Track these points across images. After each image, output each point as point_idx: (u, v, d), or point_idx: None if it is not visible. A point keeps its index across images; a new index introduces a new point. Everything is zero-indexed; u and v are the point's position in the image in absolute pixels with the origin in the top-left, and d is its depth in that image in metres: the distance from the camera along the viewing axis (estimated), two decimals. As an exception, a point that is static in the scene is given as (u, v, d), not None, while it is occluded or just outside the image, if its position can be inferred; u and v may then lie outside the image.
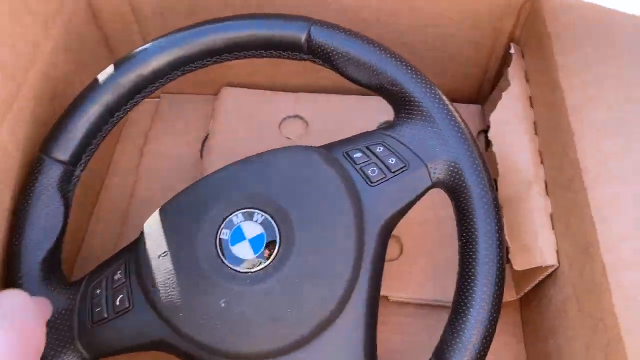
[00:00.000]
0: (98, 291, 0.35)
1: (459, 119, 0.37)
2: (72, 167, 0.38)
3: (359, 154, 0.37)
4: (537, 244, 0.38)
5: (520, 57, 0.48)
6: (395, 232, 0.37)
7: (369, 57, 0.38)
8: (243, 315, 0.32)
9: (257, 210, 0.35)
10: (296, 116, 0.55)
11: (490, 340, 0.34)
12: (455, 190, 0.36)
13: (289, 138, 0.53)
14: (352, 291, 0.33)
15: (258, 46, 0.40)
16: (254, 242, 0.34)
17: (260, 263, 0.33)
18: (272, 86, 0.57)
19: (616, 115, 0.36)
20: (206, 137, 0.55)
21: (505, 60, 0.51)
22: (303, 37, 0.39)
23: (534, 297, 0.43)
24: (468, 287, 0.34)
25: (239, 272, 0.33)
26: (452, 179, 0.36)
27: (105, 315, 0.34)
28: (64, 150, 0.38)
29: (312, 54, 0.40)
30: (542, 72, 0.44)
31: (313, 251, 0.33)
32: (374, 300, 0.34)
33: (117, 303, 0.34)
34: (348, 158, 0.37)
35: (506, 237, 0.41)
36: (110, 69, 0.39)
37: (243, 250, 0.33)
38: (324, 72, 0.54)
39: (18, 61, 0.39)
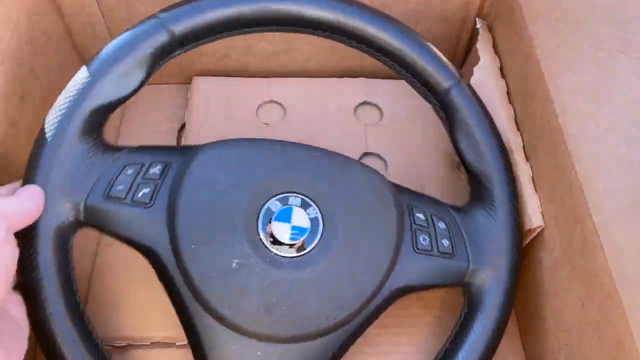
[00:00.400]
0: (130, 172, 0.35)
1: (520, 239, 0.38)
2: (177, 44, 0.37)
3: (421, 216, 0.37)
4: (526, 210, 0.39)
5: (487, 31, 0.49)
6: None
7: (486, 146, 0.39)
8: (245, 285, 0.32)
9: (314, 206, 0.35)
10: (272, 101, 0.54)
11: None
12: (475, 300, 0.37)
13: (267, 124, 0.53)
14: (343, 325, 0.34)
15: (412, 72, 0.40)
16: (295, 232, 0.34)
17: (287, 252, 0.34)
18: (244, 71, 0.56)
19: (592, 77, 0.37)
20: (181, 127, 0.54)
21: (475, 34, 0.52)
22: (445, 86, 0.39)
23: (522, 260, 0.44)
24: None
25: (265, 246, 0.33)
26: (479, 291, 0.37)
27: (122, 197, 0.34)
28: (183, 26, 0.36)
29: (441, 103, 0.40)
30: (514, 42, 0.45)
31: (336, 274, 0.34)
32: (349, 344, 0.35)
33: (140, 195, 0.34)
34: (410, 213, 0.37)
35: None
36: None
37: (281, 231, 0.34)
38: (294, 54, 0.54)
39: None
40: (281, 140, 0.37)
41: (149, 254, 0.34)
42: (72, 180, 0.33)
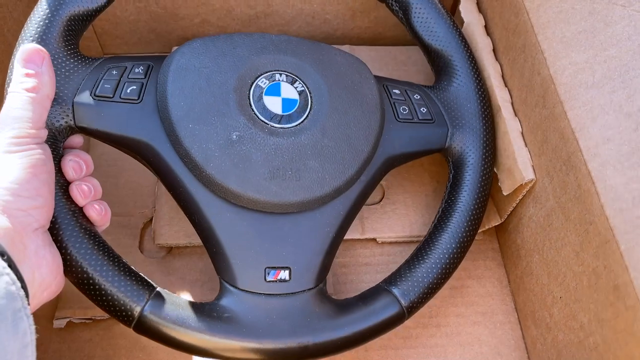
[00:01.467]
0: (114, 72, 0.35)
1: (488, 105, 0.41)
2: None
3: (397, 91, 0.40)
4: (517, 165, 0.39)
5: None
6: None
7: (442, 26, 0.42)
8: (247, 155, 0.34)
9: (300, 80, 0.37)
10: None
11: (446, 276, 0.37)
12: (459, 162, 0.40)
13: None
14: (342, 192, 0.36)
15: None
16: (286, 103, 0.36)
17: (283, 122, 0.35)
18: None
19: (582, 27, 0.37)
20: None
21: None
22: None
23: (511, 220, 0.44)
24: (436, 237, 0.37)
25: (260, 119, 0.35)
26: (461, 152, 0.40)
27: (110, 95, 0.34)
28: None
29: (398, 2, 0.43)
30: (501, -2, 0.44)
31: (331, 139, 0.36)
32: (354, 211, 0.37)
33: (128, 91, 0.35)
34: (387, 90, 0.40)
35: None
36: None
37: (273, 104, 0.36)
38: (274, 18, 0.53)
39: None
40: (259, 33, 0.39)
41: (142, 148, 0.34)
42: (57, 82, 0.33)
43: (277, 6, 0.52)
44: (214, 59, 0.36)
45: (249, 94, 0.35)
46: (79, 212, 0.32)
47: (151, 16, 0.51)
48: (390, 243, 0.46)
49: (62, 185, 0.32)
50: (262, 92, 0.36)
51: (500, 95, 0.42)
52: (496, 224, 0.44)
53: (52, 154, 0.31)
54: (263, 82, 0.36)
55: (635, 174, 0.31)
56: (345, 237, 0.45)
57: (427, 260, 0.36)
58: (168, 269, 0.43)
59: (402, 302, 0.35)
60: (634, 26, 0.34)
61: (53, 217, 0.31)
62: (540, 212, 0.39)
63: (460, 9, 0.48)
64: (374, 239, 0.45)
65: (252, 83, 0.36)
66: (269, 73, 0.36)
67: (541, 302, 0.40)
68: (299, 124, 0.36)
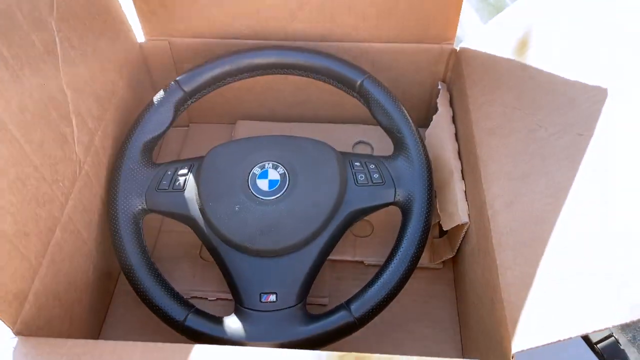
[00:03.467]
0: (169, 173, 0.56)
1: (428, 169, 0.57)
2: (188, 97, 0.60)
3: (358, 163, 0.57)
4: (457, 211, 0.57)
5: (446, 90, 0.68)
6: (368, 218, 0.57)
7: (392, 110, 0.59)
8: (245, 220, 0.52)
9: (281, 166, 0.56)
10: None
11: (390, 297, 0.51)
12: (405, 211, 0.56)
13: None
14: (313, 240, 0.53)
15: (329, 76, 0.62)
16: (271, 183, 0.54)
17: (269, 195, 0.54)
18: (274, 116, 0.76)
19: (498, 122, 0.55)
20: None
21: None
22: (358, 82, 0.60)
23: (458, 255, 0.61)
24: (385, 268, 0.53)
25: (254, 194, 0.54)
26: (406, 203, 0.56)
27: (167, 188, 0.55)
28: (189, 85, 0.60)
29: (359, 94, 0.61)
30: (460, 100, 0.64)
31: (302, 204, 0.53)
32: (325, 253, 0.53)
33: (176, 184, 0.55)
34: (350, 163, 0.57)
35: (438, 209, 0.60)
36: (237, 53, 0.62)
37: (263, 184, 0.54)
38: (309, 104, 0.75)
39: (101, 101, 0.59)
40: (256, 136, 0.58)
41: (187, 220, 0.55)
42: (136, 184, 0.55)
43: (312, 97, 0.73)
44: (226, 160, 0.56)
45: (248, 179, 0.54)
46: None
47: (224, 99, 0.74)
48: (375, 265, 0.64)
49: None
50: (256, 177, 0.54)
51: (454, 164, 0.60)
52: (450, 255, 0.61)
53: (135, 227, 0.54)
54: (257, 170, 0.55)
55: (511, 217, 0.48)
56: (340, 259, 0.64)
57: (377, 283, 0.52)
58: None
59: (355, 314, 0.51)
60: (524, 124, 0.52)
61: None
62: (470, 247, 0.56)
63: (437, 101, 0.67)
64: (362, 262, 0.64)
65: (250, 172, 0.54)
66: (261, 163, 0.55)
67: (467, 310, 0.56)
68: (279, 196, 0.53)
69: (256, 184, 0.54)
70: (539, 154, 0.49)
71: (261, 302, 0.51)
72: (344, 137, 0.74)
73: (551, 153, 0.47)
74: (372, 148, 0.73)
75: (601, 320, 0.38)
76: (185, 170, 0.56)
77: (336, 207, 0.54)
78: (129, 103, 0.64)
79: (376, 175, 0.56)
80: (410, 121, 0.58)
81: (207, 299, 0.62)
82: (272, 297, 0.51)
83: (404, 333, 0.59)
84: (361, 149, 0.73)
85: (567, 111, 0.48)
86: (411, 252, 0.53)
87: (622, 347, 0.59)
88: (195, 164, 0.57)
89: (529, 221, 0.46)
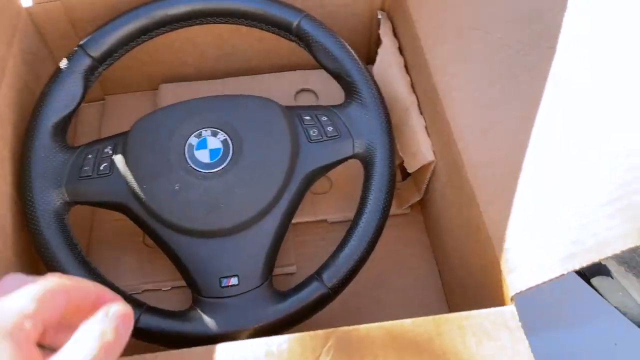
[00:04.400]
0: (90, 156, 0.48)
1: (385, 113, 0.51)
2: (97, 64, 0.51)
3: (308, 117, 0.50)
4: (420, 149, 0.52)
5: (388, 20, 0.62)
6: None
7: (337, 52, 0.52)
8: (188, 200, 0.45)
9: (221, 131, 0.48)
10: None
11: (362, 261, 0.47)
12: (367, 163, 0.50)
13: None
14: (270, 210, 0.46)
15: (260, 20, 0.53)
16: (213, 152, 0.47)
17: (212, 168, 0.47)
18: (200, 74, 0.68)
19: (455, 47, 0.50)
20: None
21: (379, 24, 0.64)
22: (295, 23, 0.52)
23: (427, 195, 0.57)
24: (353, 230, 0.48)
25: (195, 169, 0.46)
26: (367, 154, 0.50)
27: (90, 174, 0.47)
28: (96, 49, 0.51)
29: (298, 37, 0.53)
30: (404, 27, 0.58)
31: (252, 172, 0.46)
32: (286, 223, 0.47)
33: (101, 168, 0.47)
34: (299, 118, 0.50)
35: (399, 151, 0.55)
36: (148, 4, 0.52)
37: (203, 156, 0.47)
38: (238, 57, 0.66)
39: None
40: (186, 101, 0.50)
41: (121, 208, 0.47)
42: (52, 174, 0.46)
43: (239, 47, 0.65)
44: (155, 131, 0.48)
45: (184, 152, 0.47)
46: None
47: (140, 62, 0.65)
48: (339, 222, 0.58)
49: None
50: (193, 149, 0.47)
51: (409, 99, 0.55)
52: (418, 198, 0.57)
53: (60, 224, 0.46)
54: (193, 140, 0.47)
55: (484, 148, 0.44)
56: (302, 220, 0.58)
57: (347, 247, 0.47)
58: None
59: (328, 284, 0.46)
60: (485, 44, 0.47)
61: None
62: (440, 185, 0.52)
63: (380, 32, 0.61)
64: (325, 220, 0.58)
65: (185, 143, 0.47)
66: (197, 132, 0.48)
67: (446, 252, 0.52)
68: (224, 167, 0.46)
69: (195, 157, 0.47)
70: (508, 75, 0.44)
71: (221, 287, 0.45)
72: (283, 87, 0.67)
73: (521, 72, 0.43)
74: (317, 96, 0.66)
75: (598, 250, 0.35)
76: (109, 151, 0.48)
77: (291, 170, 0.48)
78: (25, 80, 0.54)
79: (330, 128, 0.50)
80: (360, 62, 0.52)
81: (160, 290, 0.55)
82: (234, 280, 0.45)
83: (382, 289, 0.55)
84: (305, 98, 0.67)
85: (530, 24, 0.44)
86: (379, 208, 0.48)
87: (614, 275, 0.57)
88: (120, 142, 0.48)
89: (506, 149, 0.42)
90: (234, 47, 0.66)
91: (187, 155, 0.47)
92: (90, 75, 0.51)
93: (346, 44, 0.52)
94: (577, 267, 0.36)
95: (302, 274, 0.55)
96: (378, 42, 0.68)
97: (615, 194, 0.35)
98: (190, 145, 0.47)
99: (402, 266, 0.56)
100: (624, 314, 0.53)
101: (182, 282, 0.52)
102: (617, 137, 0.35)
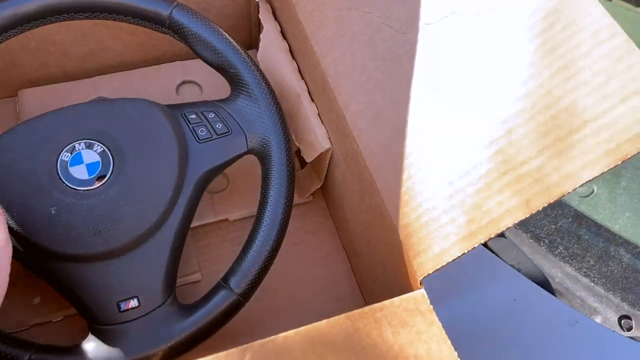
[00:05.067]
0: None
1: (276, 103, 0.48)
2: None
3: (194, 116, 0.46)
4: (316, 138, 0.51)
5: (266, 3, 0.59)
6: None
7: (217, 43, 0.47)
8: (68, 223, 0.40)
9: (97, 143, 0.43)
10: (100, 98, 0.60)
11: (270, 261, 0.45)
12: (263, 157, 0.47)
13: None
14: (164, 222, 0.43)
15: (126, 13, 0.47)
16: (90, 167, 0.42)
17: (92, 184, 0.42)
18: (64, 75, 0.61)
19: (337, 29, 0.49)
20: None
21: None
22: (166, 14, 0.47)
23: (327, 181, 0.56)
24: (256, 230, 0.45)
25: (72, 188, 0.41)
26: (262, 149, 0.47)
27: None
28: None
29: (172, 29, 0.48)
30: (284, 10, 0.55)
31: (138, 183, 0.42)
32: (183, 232, 0.44)
33: None
34: (184, 117, 0.46)
35: (294, 140, 0.53)
36: None
37: (79, 172, 0.42)
38: (108, 52, 0.60)
39: None
40: (55, 110, 0.44)
41: None
42: None
43: (107, 42, 0.59)
44: (18, 151, 0.42)
45: (56, 170, 0.42)
46: None
47: (-8, 67, 0.57)
48: (240, 220, 0.56)
49: None
50: (67, 165, 0.42)
51: (299, 86, 0.54)
52: (319, 186, 0.56)
53: None
54: (66, 156, 0.42)
55: (378, 132, 0.43)
56: (201, 222, 0.55)
57: (252, 249, 0.45)
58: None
59: (237, 291, 0.43)
60: (365, 24, 0.46)
61: None
62: (339, 172, 0.51)
63: (260, 17, 0.58)
64: (226, 219, 0.56)
65: (57, 160, 0.42)
66: (69, 146, 0.42)
67: (353, 238, 0.52)
68: (106, 181, 0.42)
69: (70, 174, 0.42)
70: (390, 56, 0.43)
71: (120, 312, 0.41)
72: (162, 81, 0.62)
73: (402, 51, 0.42)
74: (201, 87, 0.62)
75: (494, 226, 0.36)
76: None
77: (182, 175, 0.44)
78: None
79: (219, 125, 0.47)
80: (242, 52, 0.49)
81: (51, 321, 0.50)
82: (134, 302, 0.42)
83: (294, 284, 0.54)
84: (188, 91, 0.62)
85: (406, 1, 0.43)
86: (281, 202, 0.46)
87: (506, 234, 0.60)
88: None
89: (398, 134, 0.42)
90: (100, 43, 0.59)
91: (60, 173, 0.42)
92: None
93: (225, 34, 0.49)
94: (476, 245, 0.37)
95: (209, 280, 0.52)
96: (258, 26, 0.65)
97: (502, 167, 0.36)
98: (63, 162, 0.42)
99: (311, 256, 0.55)
100: (519, 270, 0.57)
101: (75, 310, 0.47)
102: (501, 112, 0.36)
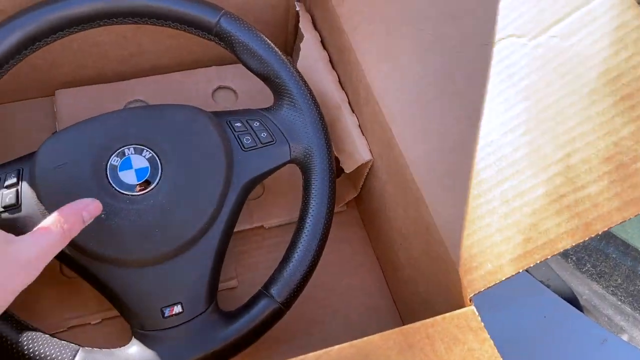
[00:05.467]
0: None
1: (319, 114, 0.48)
2: None
3: (239, 124, 0.47)
4: (356, 149, 0.51)
5: (306, 11, 0.59)
6: None
7: (263, 52, 0.48)
8: (117, 228, 0.41)
9: (146, 148, 0.43)
10: (136, 100, 0.60)
11: (311, 271, 0.46)
12: (306, 167, 0.47)
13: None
14: (209, 228, 0.43)
15: (175, 19, 0.47)
16: (139, 172, 0.42)
17: (141, 189, 0.42)
18: (102, 77, 0.61)
19: (385, 43, 0.49)
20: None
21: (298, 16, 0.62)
22: (214, 22, 0.47)
23: (363, 192, 0.56)
24: (298, 239, 0.46)
25: (121, 192, 0.42)
26: (305, 159, 0.47)
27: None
28: None
29: (218, 37, 0.48)
30: (327, 20, 0.56)
31: (185, 189, 0.43)
32: (227, 238, 0.45)
33: (7, 200, 0.41)
34: (230, 125, 0.46)
35: (335, 152, 0.53)
36: (42, 7, 0.44)
37: (128, 177, 0.42)
38: (146, 55, 0.61)
39: None
40: (103, 114, 0.45)
41: None
42: None
43: (147, 45, 0.59)
44: (69, 154, 0.42)
45: (106, 174, 0.42)
46: None
47: (32, 67, 0.57)
48: (276, 227, 0.56)
49: None
50: (116, 170, 0.42)
51: (339, 96, 0.54)
52: (354, 196, 0.57)
53: None
54: (115, 161, 0.42)
55: (427, 147, 0.44)
56: (238, 229, 0.55)
57: (294, 258, 0.45)
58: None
59: (278, 299, 0.44)
60: (414, 41, 0.47)
61: None
62: (379, 184, 0.52)
63: (300, 25, 0.59)
64: (262, 226, 0.56)
65: (107, 164, 0.42)
66: (118, 150, 0.43)
67: (390, 249, 0.53)
68: (154, 187, 0.42)
69: (119, 179, 0.42)
70: (443, 74, 0.44)
71: (165, 318, 0.41)
72: (198, 86, 0.62)
73: (456, 70, 0.43)
74: (236, 93, 0.63)
75: (550, 247, 0.36)
76: (13, 180, 0.41)
77: (227, 182, 0.44)
78: None
79: (264, 134, 0.47)
80: (288, 62, 0.49)
81: (89, 324, 0.50)
82: (177, 308, 0.42)
83: (327, 291, 0.54)
84: (223, 97, 0.63)
85: (462, 17, 0.44)
86: (323, 213, 0.46)
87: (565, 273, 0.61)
88: (25, 169, 0.42)
89: (447, 150, 0.42)
90: (140, 46, 0.60)
91: (110, 178, 0.42)
92: None
93: (271, 43, 0.49)
94: (531, 265, 0.37)
95: (245, 286, 0.53)
96: (295, 35, 0.66)
97: (561, 190, 0.36)
98: (113, 167, 0.42)
99: (344, 266, 0.56)
100: (548, 286, 0.57)
101: (113, 312, 0.48)
102: (560, 135, 0.37)
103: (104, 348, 0.42)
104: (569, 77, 0.37)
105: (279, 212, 0.56)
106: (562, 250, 0.36)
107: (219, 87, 0.63)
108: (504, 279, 0.38)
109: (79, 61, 0.58)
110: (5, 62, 0.44)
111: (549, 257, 0.37)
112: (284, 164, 0.48)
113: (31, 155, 0.43)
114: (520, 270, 0.38)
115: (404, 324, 0.53)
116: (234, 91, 0.63)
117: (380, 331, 0.41)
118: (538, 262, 0.37)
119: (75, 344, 0.41)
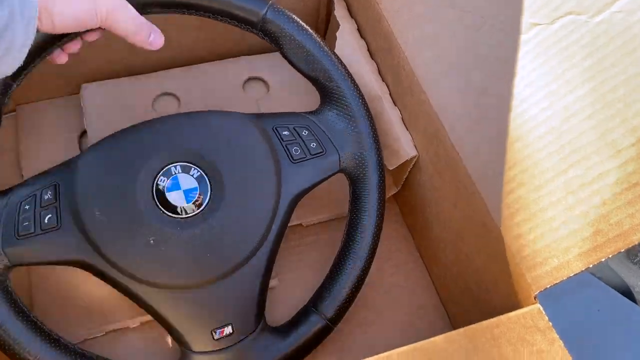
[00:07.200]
0: (27, 207, 0.38)
1: (372, 121, 0.45)
2: (11, 81, 0.40)
3: (287, 132, 0.44)
4: (401, 145, 0.49)
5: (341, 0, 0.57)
6: None
7: (317, 53, 0.44)
8: (167, 255, 0.38)
9: (194, 166, 0.40)
10: (164, 94, 0.58)
11: (359, 288, 0.44)
12: (356, 177, 0.45)
13: (164, 115, 0.57)
14: (260, 246, 0.41)
15: (216, 12, 0.44)
16: (188, 193, 0.40)
17: (190, 212, 0.40)
18: (130, 70, 0.59)
19: (430, 29, 0.47)
20: (82, 134, 0.56)
21: (331, 4, 0.59)
22: (260, 15, 0.44)
23: (405, 187, 0.54)
24: (346, 253, 0.43)
25: (170, 216, 0.39)
26: (356, 169, 0.45)
27: (32, 230, 0.37)
28: None
29: (263, 32, 0.45)
30: (365, 7, 0.53)
31: (236, 209, 0.40)
32: (274, 253, 0.42)
33: (46, 221, 0.38)
34: (277, 133, 0.43)
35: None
36: None
37: (177, 199, 0.39)
38: (175, 48, 0.58)
39: None
40: (144, 122, 0.42)
41: (79, 264, 0.39)
42: None
43: (175, 38, 0.57)
44: (111, 172, 0.39)
45: (153, 196, 0.39)
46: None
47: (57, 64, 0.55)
48: (313, 225, 0.54)
49: None
50: (163, 191, 0.39)
51: (380, 88, 0.52)
52: (394, 192, 0.54)
53: (3, 291, 0.36)
54: (162, 181, 0.40)
55: (481, 138, 0.41)
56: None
57: (342, 276, 0.43)
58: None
59: (327, 315, 0.42)
60: (462, 24, 0.44)
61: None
62: (424, 177, 0.49)
63: (335, 14, 0.56)
64: (300, 224, 0.54)
65: (153, 185, 0.39)
66: (164, 169, 0.40)
67: (437, 246, 0.50)
68: (204, 208, 0.40)
69: (168, 201, 0.39)
70: (495, 58, 0.42)
71: (215, 339, 0.40)
72: (228, 77, 0.60)
73: (510, 53, 0.40)
74: (267, 84, 0.60)
75: (624, 240, 0.34)
76: (50, 196, 0.39)
77: (277, 199, 0.42)
78: None
79: (314, 145, 0.44)
80: (339, 62, 0.46)
81: (128, 327, 0.48)
82: (228, 330, 0.40)
83: (372, 290, 0.52)
84: (254, 88, 0.60)
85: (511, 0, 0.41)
86: (373, 227, 0.44)
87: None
88: (62, 184, 0.39)
89: (504, 139, 0.40)
90: (168, 39, 0.57)
91: (157, 201, 0.39)
92: (2, 97, 0.40)
93: (323, 42, 0.46)
94: (602, 260, 0.35)
95: (285, 285, 0.51)
96: (326, 23, 0.63)
97: (634, 178, 0.34)
98: (160, 188, 0.40)
99: (387, 264, 0.54)
100: (600, 278, 0.55)
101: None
102: (630, 119, 0.34)
103: (143, 353, 0.41)
104: (638, 54, 0.35)
105: (317, 210, 0.54)
106: (636, 243, 0.34)
107: (250, 78, 0.61)
108: (572, 275, 0.36)
109: (106, 56, 0.57)
110: (35, 59, 0.42)
111: (622, 250, 0.35)
112: (332, 175, 0.45)
113: (64, 168, 0.40)
114: (591, 266, 0.36)
115: (452, 323, 0.51)
116: (265, 82, 0.61)
117: (431, 331, 0.40)
118: (610, 256, 0.35)
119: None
